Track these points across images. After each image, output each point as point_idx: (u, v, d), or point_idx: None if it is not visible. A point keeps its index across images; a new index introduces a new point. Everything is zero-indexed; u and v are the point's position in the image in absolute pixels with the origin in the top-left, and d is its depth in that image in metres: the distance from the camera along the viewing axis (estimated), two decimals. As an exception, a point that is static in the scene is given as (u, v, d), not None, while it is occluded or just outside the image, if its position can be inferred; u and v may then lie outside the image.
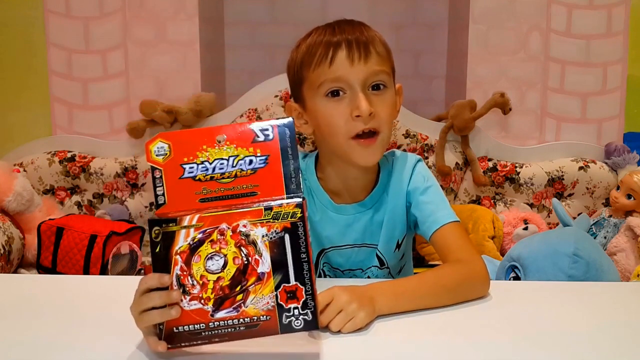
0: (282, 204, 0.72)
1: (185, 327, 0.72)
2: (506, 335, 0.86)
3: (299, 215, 0.72)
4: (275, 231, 0.72)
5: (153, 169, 0.75)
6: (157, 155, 0.75)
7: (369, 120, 1.03)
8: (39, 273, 2.03)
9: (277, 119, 0.77)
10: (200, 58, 2.31)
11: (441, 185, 2.27)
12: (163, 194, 0.75)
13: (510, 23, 2.28)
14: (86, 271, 1.96)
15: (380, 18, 2.59)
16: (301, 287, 0.72)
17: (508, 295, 1.04)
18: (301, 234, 0.72)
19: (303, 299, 0.72)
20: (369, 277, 1.16)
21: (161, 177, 0.75)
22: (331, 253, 1.15)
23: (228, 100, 2.53)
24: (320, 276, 1.16)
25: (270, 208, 0.72)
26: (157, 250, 0.72)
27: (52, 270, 2.01)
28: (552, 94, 2.33)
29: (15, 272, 2.03)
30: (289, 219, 0.72)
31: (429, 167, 2.25)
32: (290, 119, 0.77)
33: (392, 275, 1.18)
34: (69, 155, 2.29)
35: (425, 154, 2.28)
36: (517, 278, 1.50)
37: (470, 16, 2.27)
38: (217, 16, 2.57)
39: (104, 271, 1.95)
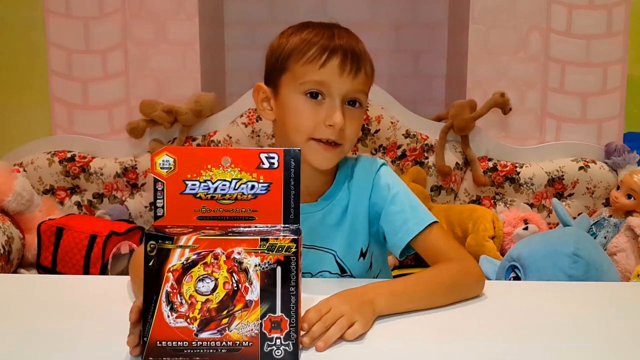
0: (278, 237, 0.73)
1: (168, 342, 0.73)
2: (506, 335, 0.86)
3: (293, 249, 0.73)
4: (268, 262, 0.73)
5: (156, 181, 0.76)
6: (161, 168, 0.77)
7: (337, 133, 1.03)
8: (39, 273, 2.03)
9: (286, 148, 0.78)
10: (200, 58, 2.31)
11: (441, 185, 2.28)
12: (162, 207, 0.77)
13: (510, 23, 2.28)
14: (86, 271, 1.96)
15: (380, 18, 2.59)
16: (286, 318, 0.73)
17: (508, 295, 1.04)
18: (293, 267, 0.73)
19: (286, 330, 0.73)
20: None
21: (163, 190, 0.77)
22: None
23: (228, 100, 2.53)
24: None
25: (266, 240, 0.73)
26: (150, 264, 0.73)
27: (52, 270, 2.01)
28: (552, 94, 2.32)
29: (15, 272, 2.03)
30: (283, 252, 0.73)
31: (429, 167, 2.26)
32: (298, 149, 0.78)
33: None
34: (69, 155, 2.29)
35: (425, 154, 2.28)
36: (517, 278, 1.50)
37: (470, 16, 2.27)
38: (217, 16, 2.57)
39: (103, 271, 1.95)
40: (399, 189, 1.11)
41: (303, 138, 1.05)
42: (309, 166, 1.07)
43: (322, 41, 1.04)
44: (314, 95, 1.04)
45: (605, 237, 2.09)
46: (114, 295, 0.99)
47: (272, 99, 1.10)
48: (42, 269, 2.04)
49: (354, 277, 1.13)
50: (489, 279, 1.03)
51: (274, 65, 1.09)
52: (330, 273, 1.12)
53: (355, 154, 2.25)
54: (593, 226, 2.13)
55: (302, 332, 0.79)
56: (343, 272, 1.13)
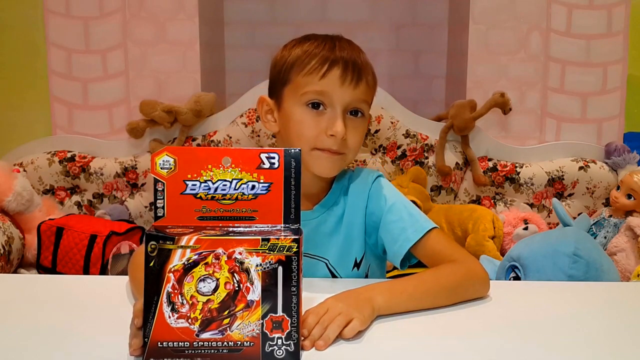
0: (279, 237, 0.73)
1: (169, 343, 0.73)
2: (506, 335, 0.86)
3: (294, 249, 0.73)
4: (269, 262, 0.73)
5: (156, 181, 0.76)
6: (161, 168, 0.76)
7: (339, 142, 1.04)
8: (39, 273, 2.03)
9: (286, 148, 0.78)
10: (200, 58, 2.30)
11: (441, 185, 2.28)
12: (163, 207, 0.77)
13: (510, 23, 2.28)
14: (86, 271, 1.96)
15: (380, 18, 2.59)
16: (287, 318, 0.73)
17: (508, 295, 1.04)
18: (294, 267, 0.73)
19: (288, 330, 0.74)
20: None
21: (163, 190, 0.77)
22: None
23: (228, 100, 2.53)
24: None
25: (267, 240, 0.73)
26: (151, 264, 0.73)
27: (52, 270, 2.01)
28: (552, 94, 2.32)
29: (15, 272, 2.03)
30: (284, 252, 0.73)
31: (429, 167, 2.26)
32: (298, 149, 0.78)
33: None
34: (68, 155, 2.29)
35: (425, 154, 2.28)
36: (517, 278, 1.50)
37: (470, 16, 2.27)
38: (217, 16, 2.57)
39: (104, 271, 1.95)
40: (396, 199, 1.11)
41: (306, 148, 1.05)
42: (309, 173, 1.08)
43: (323, 52, 1.05)
44: (315, 105, 1.05)
45: (605, 237, 2.09)
46: (114, 295, 0.99)
47: (274, 111, 1.11)
48: (42, 269, 2.04)
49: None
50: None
51: (277, 77, 1.10)
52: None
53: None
54: (593, 226, 2.13)
55: (302, 338, 0.79)
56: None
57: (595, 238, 2.07)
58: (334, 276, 1.12)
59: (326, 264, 1.12)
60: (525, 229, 2.12)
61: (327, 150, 1.05)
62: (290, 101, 1.08)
